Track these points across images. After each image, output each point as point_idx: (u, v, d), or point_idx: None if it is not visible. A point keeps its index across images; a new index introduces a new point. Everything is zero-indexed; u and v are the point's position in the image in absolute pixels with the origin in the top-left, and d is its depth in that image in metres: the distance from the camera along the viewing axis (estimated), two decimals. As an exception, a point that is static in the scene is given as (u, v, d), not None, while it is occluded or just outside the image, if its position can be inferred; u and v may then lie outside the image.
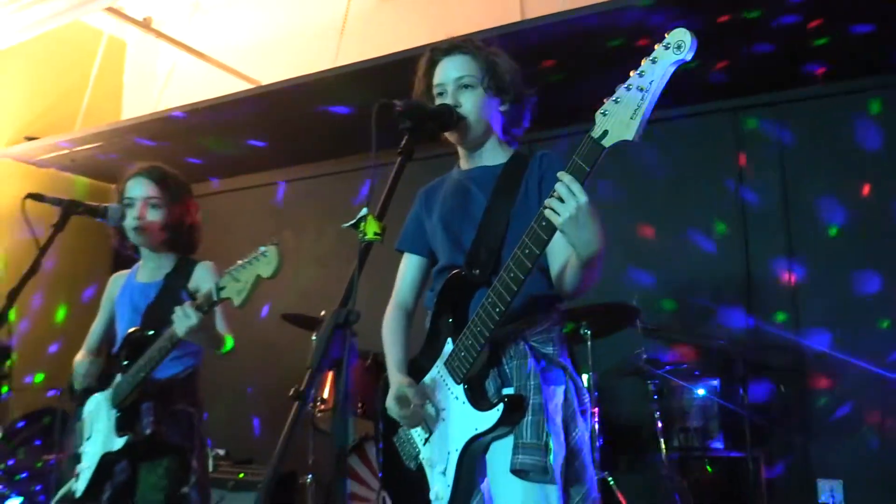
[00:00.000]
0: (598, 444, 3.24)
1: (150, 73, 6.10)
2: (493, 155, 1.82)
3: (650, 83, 1.31)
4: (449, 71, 1.77)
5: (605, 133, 1.37)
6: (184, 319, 1.94)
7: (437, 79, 1.79)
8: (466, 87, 1.75)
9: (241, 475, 3.64)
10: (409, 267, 1.93)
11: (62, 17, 4.62)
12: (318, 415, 3.43)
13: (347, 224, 1.47)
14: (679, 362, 3.67)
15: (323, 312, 3.85)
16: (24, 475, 4.81)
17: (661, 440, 3.39)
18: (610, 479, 3.21)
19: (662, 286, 3.93)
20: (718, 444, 3.47)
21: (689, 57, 1.29)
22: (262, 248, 1.89)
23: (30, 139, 5.28)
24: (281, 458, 1.30)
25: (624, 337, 3.51)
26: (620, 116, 1.35)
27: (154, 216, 2.31)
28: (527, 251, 1.48)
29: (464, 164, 1.88)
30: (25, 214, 1.88)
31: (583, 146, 1.41)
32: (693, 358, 3.75)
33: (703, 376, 3.56)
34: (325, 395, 3.46)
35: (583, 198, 1.39)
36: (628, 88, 1.34)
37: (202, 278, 2.28)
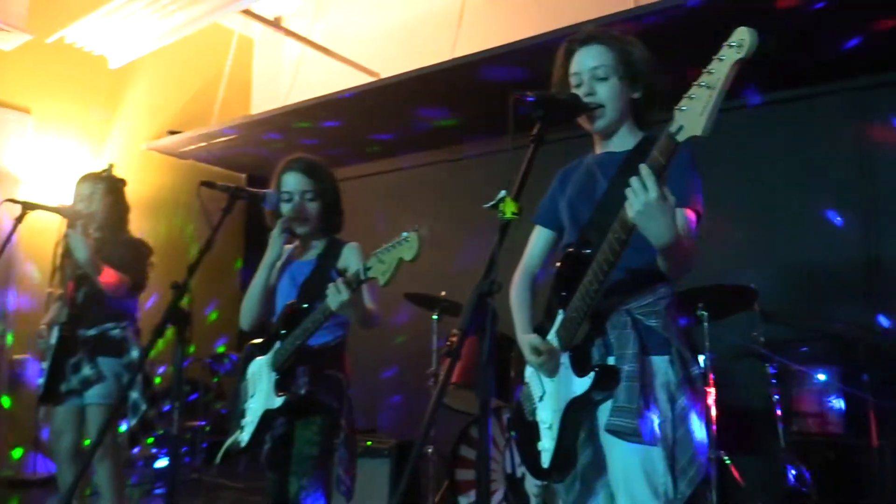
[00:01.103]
0: (713, 424, 3.26)
1: (276, 68, 6.50)
2: (623, 140, 1.90)
3: (717, 81, 1.35)
4: (585, 61, 1.86)
5: (681, 128, 1.42)
6: (336, 295, 2.15)
7: (573, 68, 1.88)
8: (601, 77, 1.84)
9: (369, 443, 3.90)
10: (538, 238, 2.07)
11: (202, 21, 5.01)
12: (441, 388, 3.62)
13: (488, 204, 1.61)
14: (798, 346, 3.60)
15: (444, 293, 4.06)
16: (153, 434, 5.30)
17: (780, 425, 3.36)
18: (726, 458, 3.24)
19: (783, 269, 3.88)
20: (839, 431, 3.40)
21: (748, 55, 1.32)
22: (405, 234, 2.06)
23: (172, 133, 5.77)
24: (433, 413, 1.47)
25: (741, 319, 3.50)
26: (693, 112, 1.39)
27: (312, 208, 2.54)
28: (616, 236, 1.58)
29: (597, 148, 1.98)
30: (201, 199, 2.12)
31: (661, 140, 1.47)
32: (813, 342, 3.67)
33: (823, 361, 3.50)
34: (447, 369, 3.66)
35: (652, 193, 1.46)
36: (699, 86, 1.38)
37: (349, 258, 2.50)
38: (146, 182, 5.72)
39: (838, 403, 3.43)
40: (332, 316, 2.24)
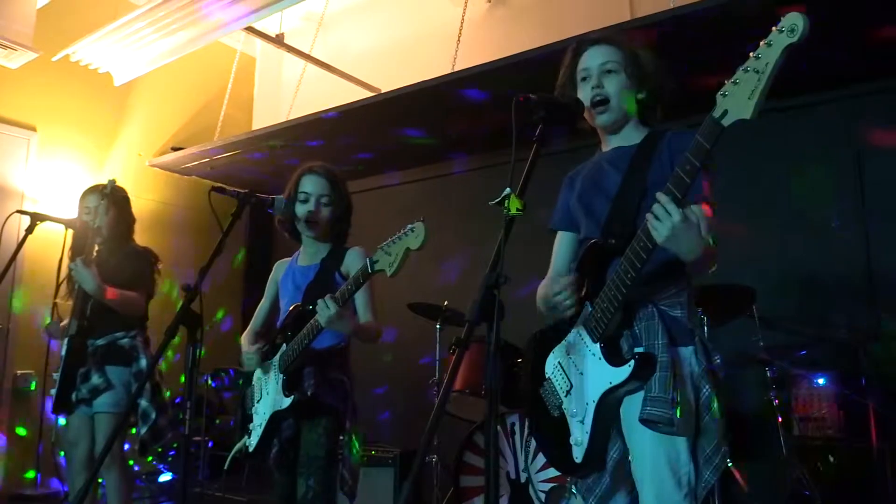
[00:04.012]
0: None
1: (277, 85, 6.58)
2: (630, 135, 1.95)
3: (766, 65, 1.37)
4: (594, 58, 1.93)
5: (725, 113, 1.44)
6: (325, 310, 2.21)
7: (582, 64, 1.95)
8: (610, 72, 1.91)
9: (374, 452, 3.93)
10: (562, 243, 2.09)
11: (204, 39, 5.09)
12: (443, 396, 3.65)
13: (494, 202, 1.66)
14: (797, 350, 3.61)
15: (446, 302, 4.10)
16: (171, 452, 5.32)
17: (780, 429, 3.36)
18: (728, 461, 3.25)
19: (782, 275, 3.92)
20: (839, 434, 3.41)
21: (801, 40, 1.34)
22: (410, 225, 2.13)
23: (176, 149, 5.83)
24: (438, 419, 1.49)
25: (741, 325, 3.52)
26: (739, 97, 1.41)
27: (325, 212, 2.61)
28: (643, 241, 1.62)
29: (603, 147, 2.02)
30: (211, 205, 2.18)
31: (704, 125, 1.49)
32: (812, 346, 3.67)
33: (822, 365, 3.51)
34: (450, 377, 3.69)
35: (676, 217, 1.52)
36: (745, 70, 1.40)
37: (353, 261, 2.56)
38: (149, 198, 5.78)
39: (837, 407, 3.45)
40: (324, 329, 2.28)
